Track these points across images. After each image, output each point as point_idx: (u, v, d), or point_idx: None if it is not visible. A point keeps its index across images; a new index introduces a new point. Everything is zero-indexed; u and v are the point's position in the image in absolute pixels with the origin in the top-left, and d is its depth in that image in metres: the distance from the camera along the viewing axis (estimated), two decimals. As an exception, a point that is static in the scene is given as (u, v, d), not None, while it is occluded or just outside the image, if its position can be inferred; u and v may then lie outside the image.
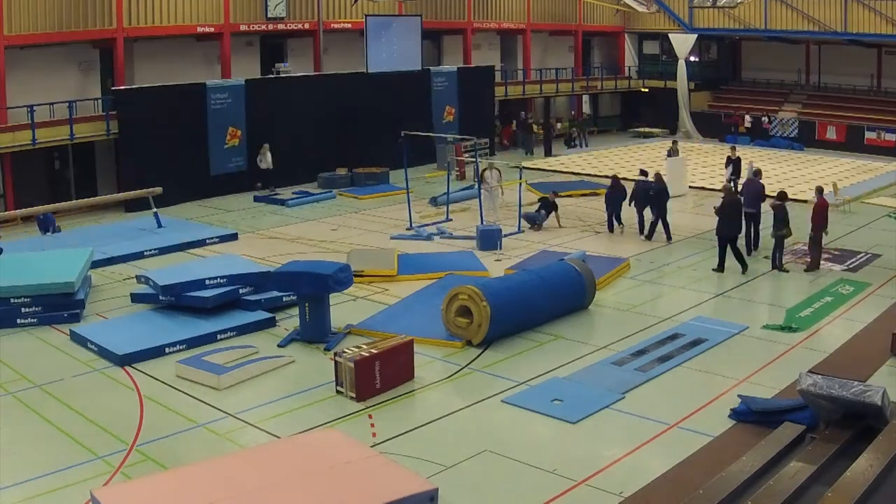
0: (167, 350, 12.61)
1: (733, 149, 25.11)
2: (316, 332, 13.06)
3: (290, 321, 13.91)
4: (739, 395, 10.62)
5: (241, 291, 14.29)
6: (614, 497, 8.61)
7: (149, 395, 11.26)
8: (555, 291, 13.97)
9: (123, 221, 21.62)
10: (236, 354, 12.40)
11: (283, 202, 23.71)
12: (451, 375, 11.93)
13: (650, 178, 19.86)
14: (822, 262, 17.13)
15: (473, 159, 21.62)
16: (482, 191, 20.41)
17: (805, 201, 21.40)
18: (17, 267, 15.00)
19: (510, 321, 13.07)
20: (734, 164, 23.39)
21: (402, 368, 11.61)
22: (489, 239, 18.60)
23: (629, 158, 31.89)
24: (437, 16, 32.89)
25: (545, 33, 38.42)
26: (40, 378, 11.76)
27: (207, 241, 19.37)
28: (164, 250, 18.58)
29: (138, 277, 15.21)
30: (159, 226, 20.44)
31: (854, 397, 8.95)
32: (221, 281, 14.15)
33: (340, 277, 13.01)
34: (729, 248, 16.58)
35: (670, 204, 19.64)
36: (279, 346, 12.92)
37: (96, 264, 17.47)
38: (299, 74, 28.27)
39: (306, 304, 13.00)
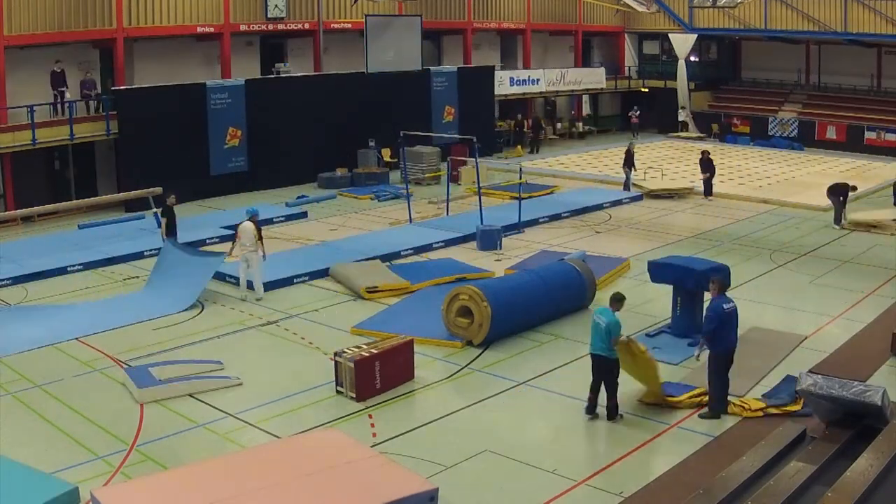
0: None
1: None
2: (687, 327, 13.01)
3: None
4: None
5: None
6: (614, 497, 8.61)
7: (149, 395, 11.25)
8: (555, 292, 13.97)
9: (123, 221, 21.59)
10: (194, 369, 11.88)
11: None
12: (451, 375, 11.93)
13: None
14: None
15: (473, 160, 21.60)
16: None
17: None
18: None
19: (511, 321, 13.09)
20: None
21: (402, 368, 11.60)
22: (489, 239, 18.59)
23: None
24: (437, 16, 32.88)
25: (545, 33, 38.43)
26: (40, 378, 11.75)
27: (207, 242, 19.37)
28: (164, 250, 18.58)
29: None
30: (159, 226, 20.40)
31: (854, 397, 8.94)
32: None
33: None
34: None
35: None
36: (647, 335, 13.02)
37: (97, 264, 17.55)
38: (299, 74, 28.27)
39: (679, 298, 13.02)
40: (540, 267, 15.27)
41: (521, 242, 19.20)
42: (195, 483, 8.06)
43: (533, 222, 21.00)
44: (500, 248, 18.49)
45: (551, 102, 38.04)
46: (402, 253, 18.10)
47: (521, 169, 23.29)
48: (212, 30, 26.44)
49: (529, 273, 14.64)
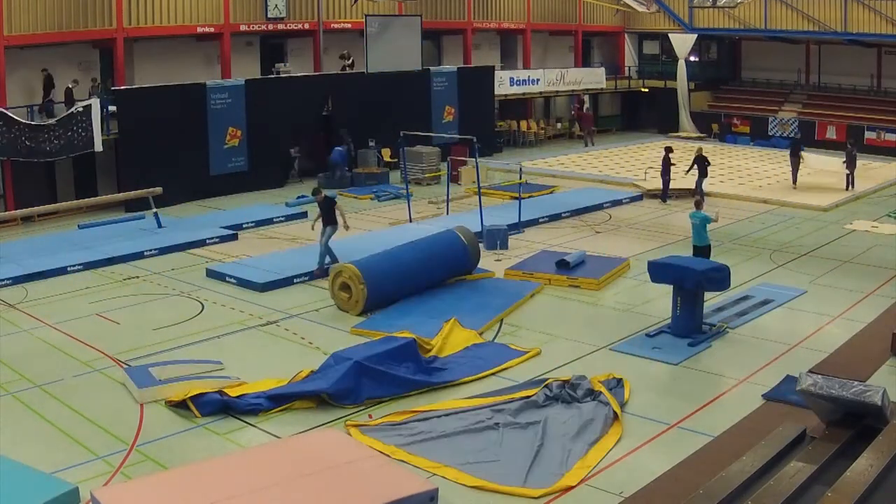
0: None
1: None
2: (687, 327, 13.05)
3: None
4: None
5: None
6: (614, 497, 8.61)
7: (149, 395, 11.24)
8: (435, 260, 15.47)
9: (123, 221, 21.61)
10: (194, 369, 11.86)
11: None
12: (451, 375, 11.91)
13: None
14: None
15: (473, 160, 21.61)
16: None
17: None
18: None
19: (388, 294, 14.58)
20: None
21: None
22: (492, 238, 18.60)
23: (629, 158, 31.93)
24: (437, 16, 32.89)
25: (545, 33, 38.43)
26: (40, 378, 11.75)
27: (207, 242, 19.38)
28: (164, 250, 18.60)
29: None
30: (159, 226, 20.45)
31: (854, 397, 8.93)
32: None
33: (714, 276, 13.00)
34: None
35: None
36: (647, 335, 13.15)
37: (97, 264, 17.55)
38: (299, 74, 28.28)
39: (679, 298, 13.02)
40: (425, 238, 16.49)
41: (522, 242, 19.20)
42: (195, 483, 8.06)
43: (533, 222, 21.01)
44: (505, 248, 18.49)
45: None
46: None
47: (521, 169, 23.29)
48: (212, 30, 26.44)
49: (411, 246, 15.83)
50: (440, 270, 15.67)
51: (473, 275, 16.25)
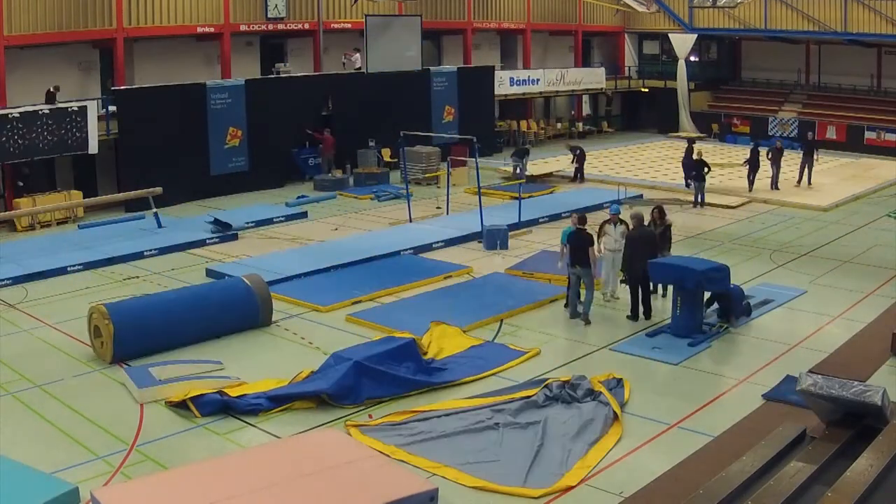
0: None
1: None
2: (687, 327, 13.02)
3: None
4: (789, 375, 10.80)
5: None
6: (614, 497, 8.61)
7: (149, 395, 11.24)
8: (211, 309, 13.24)
9: (123, 221, 21.60)
10: (194, 369, 11.85)
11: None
12: (451, 375, 11.91)
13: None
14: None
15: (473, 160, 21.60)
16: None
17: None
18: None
19: (146, 339, 12.43)
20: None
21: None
22: (492, 238, 18.61)
23: (629, 158, 31.92)
24: (437, 16, 32.89)
25: (545, 33, 38.44)
26: (40, 378, 11.75)
27: (207, 242, 19.37)
28: (163, 250, 18.59)
29: None
30: (159, 226, 20.45)
31: (854, 397, 8.93)
32: None
33: (714, 276, 12.97)
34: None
35: None
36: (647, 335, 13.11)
37: (97, 264, 17.55)
38: (299, 74, 28.27)
39: (679, 298, 12.98)
40: (204, 284, 15.04)
41: (523, 242, 19.20)
42: (195, 483, 8.06)
43: (533, 222, 21.00)
44: (507, 248, 18.50)
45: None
46: (401, 253, 18.11)
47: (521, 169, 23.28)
48: (212, 30, 26.44)
49: (185, 290, 14.23)
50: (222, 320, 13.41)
51: (451, 271, 16.41)
